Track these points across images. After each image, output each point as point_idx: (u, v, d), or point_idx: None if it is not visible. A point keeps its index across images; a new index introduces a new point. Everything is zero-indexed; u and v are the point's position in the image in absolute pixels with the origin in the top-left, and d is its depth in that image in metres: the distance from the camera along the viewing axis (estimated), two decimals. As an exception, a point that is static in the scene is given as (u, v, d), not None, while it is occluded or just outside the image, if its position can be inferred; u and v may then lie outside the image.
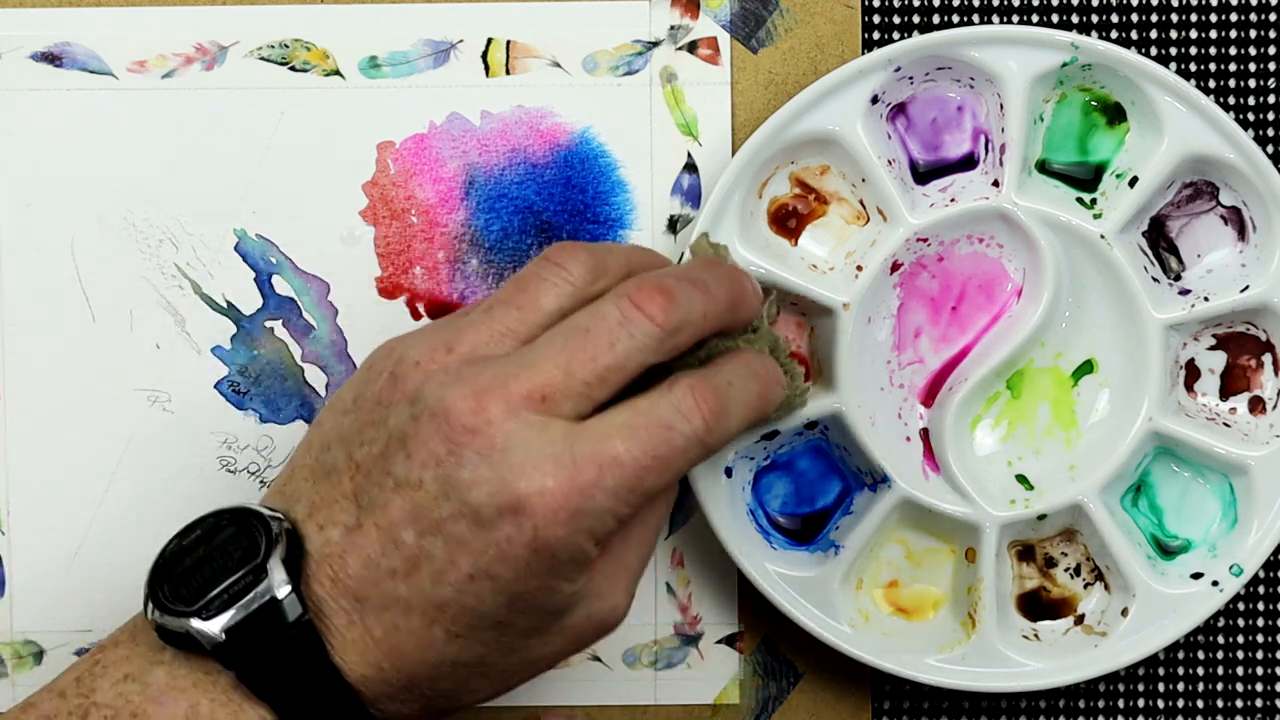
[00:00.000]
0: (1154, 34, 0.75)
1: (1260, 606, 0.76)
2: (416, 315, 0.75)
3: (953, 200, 0.73)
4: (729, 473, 0.73)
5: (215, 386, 0.75)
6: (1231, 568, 0.73)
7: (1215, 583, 0.73)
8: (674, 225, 0.75)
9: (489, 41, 0.75)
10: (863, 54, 0.74)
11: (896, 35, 0.75)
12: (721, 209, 0.72)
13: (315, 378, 0.75)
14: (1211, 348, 0.75)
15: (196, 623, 0.59)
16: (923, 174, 0.74)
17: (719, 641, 0.76)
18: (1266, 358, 0.74)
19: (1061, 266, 0.73)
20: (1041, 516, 0.74)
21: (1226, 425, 0.74)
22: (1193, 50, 0.75)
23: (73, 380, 0.75)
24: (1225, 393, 0.75)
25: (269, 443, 0.75)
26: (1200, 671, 0.76)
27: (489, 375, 0.59)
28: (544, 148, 0.75)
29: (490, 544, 0.58)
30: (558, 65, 0.75)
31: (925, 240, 0.73)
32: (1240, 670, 0.76)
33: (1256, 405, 0.75)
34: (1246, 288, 0.73)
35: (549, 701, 0.75)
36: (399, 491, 0.59)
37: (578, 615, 0.61)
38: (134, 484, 0.75)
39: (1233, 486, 0.74)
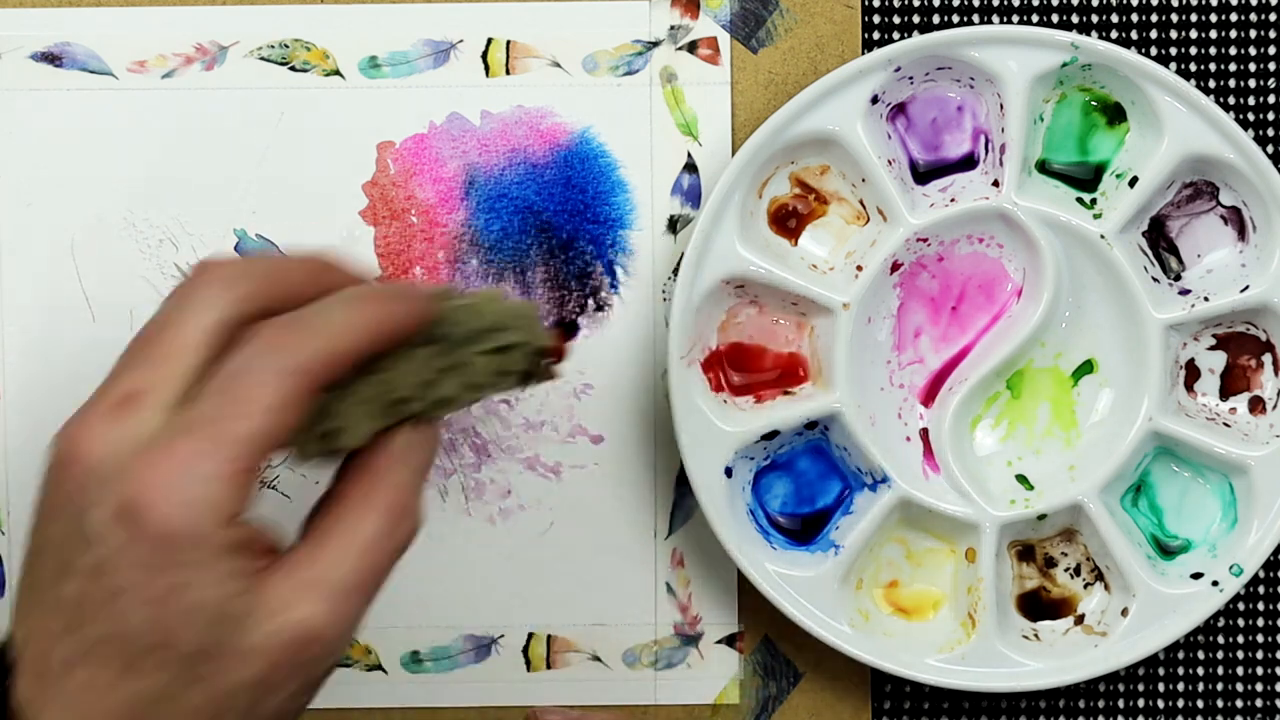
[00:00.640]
0: (1154, 34, 0.75)
1: (1260, 606, 0.76)
2: (416, 315, 0.75)
3: (953, 200, 0.73)
4: (729, 473, 0.73)
5: (215, 386, 0.75)
6: (1231, 568, 0.73)
7: (1215, 583, 0.73)
8: (674, 225, 0.75)
9: (489, 41, 0.75)
10: (863, 54, 0.74)
11: (896, 35, 0.75)
12: (721, 209, 0.72)
13: (315, 378, 0.75)
14: (1211, 348, 0.75)
15: None
16: (923, 174, 0.74)
17: (719, 641, 0.76)
18: (1266, 358, 0.74)
19: (1061, 266, 0.73)
20: (1041, 516, 0.74)
21: (1226, 425, 0.74)
22: (1193, 50, 0.75)
23: (73, 380, 0.74)
24: (1225, 393, 0.75)
25: (269, 443, 0.75)
26: (1200, 671, 0.76)
27: (77, 412, 0.56)
28: (544, 148, 0.75)
29: (113, 554, 0.54)
30: (558, 65, 0.75)
31: (925, 240, 0.73)
32: (1240, 670, 0.76)
33: (1256, 405, 0.75)
34: (1246, 288, 0.73)
35: (548, 701, 0.75)
36: (43, 555, 0.56)
37: (259, 632, 0.55)
38: (134, 484, 0.74)
39: (1233, 486, 0.74)
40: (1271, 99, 0.75)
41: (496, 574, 0.75)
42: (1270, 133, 0.75)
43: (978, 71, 0.72)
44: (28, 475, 0.74)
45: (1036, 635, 0.75)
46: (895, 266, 0.74)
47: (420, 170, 0.75)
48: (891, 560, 0.75)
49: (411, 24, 0.74)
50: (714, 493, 0.72)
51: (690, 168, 0.75)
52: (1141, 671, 0.76)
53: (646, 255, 0.75)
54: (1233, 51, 0.75)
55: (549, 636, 0.76)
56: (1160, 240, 0.74)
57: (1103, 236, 0.73)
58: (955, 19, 0.75)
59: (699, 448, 0.72)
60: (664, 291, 0.75)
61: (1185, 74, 0.75)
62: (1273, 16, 0.75)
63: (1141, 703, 0.76)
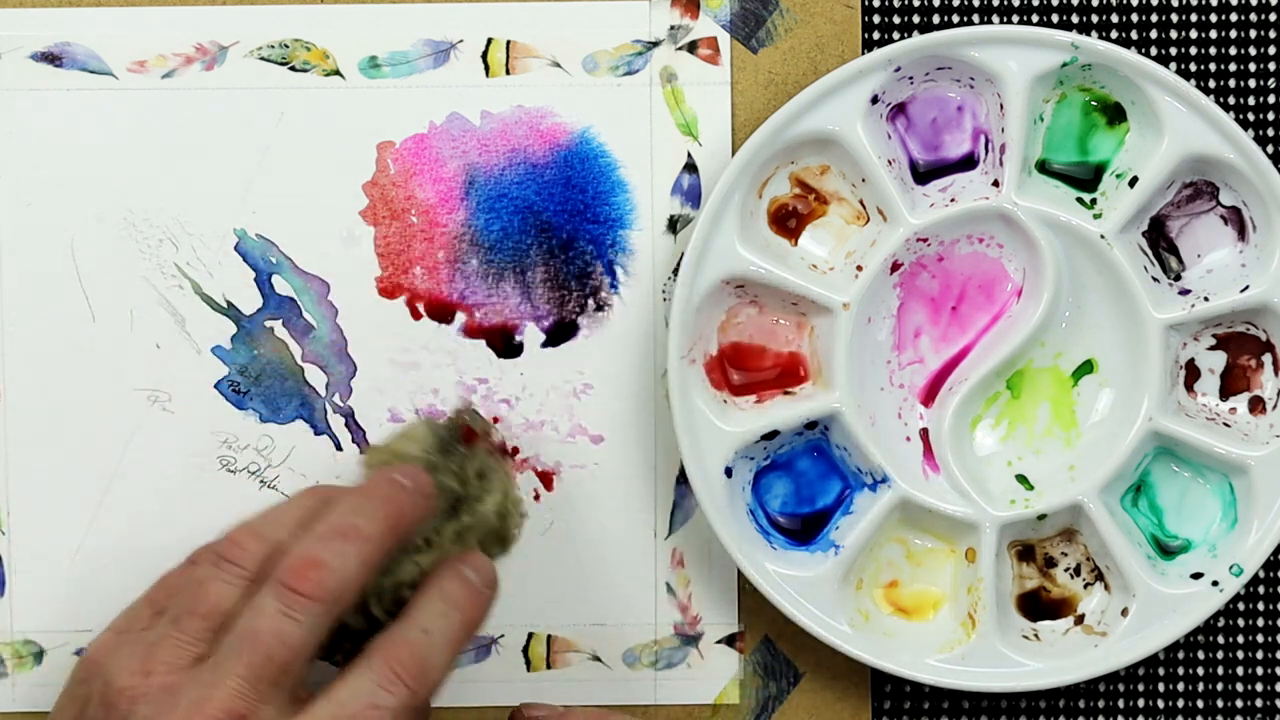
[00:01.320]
0: (1154, 34, 0.75)
1: (1260, 606, 0.76)
2: (416, 315, 0.75)
3: (953, 200, 0.73)
4: (729, 473, 0.73)
5: (215, 386, 0.75)
6: (1231, 568, 0.73)
7: (1215, 583, 0.73)
8: (674, 225, 0.75)
9: (489, 41, 0.75)
10: (863, 54, 0.74)
11: (896, 35, 0.75)
12: (721, 209, 0.72)
13: (315, 378, 0.75)
14: (1211, 348, 0.75)
15: None
16: (923, 174, 0.74)
17: (719, 641, 0.76)
18: (1266, 358, 0.74)
19: (1061, 266, 0.73)
20: (1041, 516, 0.74)
21: (1226, 425, 0.74)
22: (1193, 50, 0.75)
23: (73, 380, 0.75)
24: (1225, 393, 0.75)
25: (269, 442, 0.75)
26: (1200, 671, 0.76)
27: (183, 707, 0.60)
28: (544, 148, 0.75)
29: None
30: (558, 65, 0.75)
31: (925, 240, 0.73)
32: (1240, 670, 0.76)
33: (1256, 405, 0.75)
34: (1246, 288, 0.73)
35: (547, 701, 0.75)
36: None
37: None
38: (134, 484, 0.75)
39: (1233, 486, 0.74)
40: (1271, 99, 0.75)
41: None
42: (1270, 133, 0.75)
43: (978, 71, 0.72)
44: (28, 475, 0.74)
45: (1036, 635, 0.75)
46: (895, 266, 0.74)
47: (420, 170, 0.75)
48: (891, 560, 0.75)
49: (411, 24, 0.74)
50: (714, 493, 0.72)
51: (690, 168, 0.75)
52: (1141, 671, 0.76)
53: (646, 255, 0.75)
54: (1233, 51, 0.75)
55: (549, 636, 0.76)
56: (1160, 240, 0.74)
57: (1103, 236, 0.73)
58: (955, 19, 0.75)
59: (699, 448, 0.72)
60: (664, 291, 0.75)
61: (1185, 74, 0.75)
62: (1273, 16, 0.75)
63: (1141, 703, 0.76)
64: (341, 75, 0.75)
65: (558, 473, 0.75)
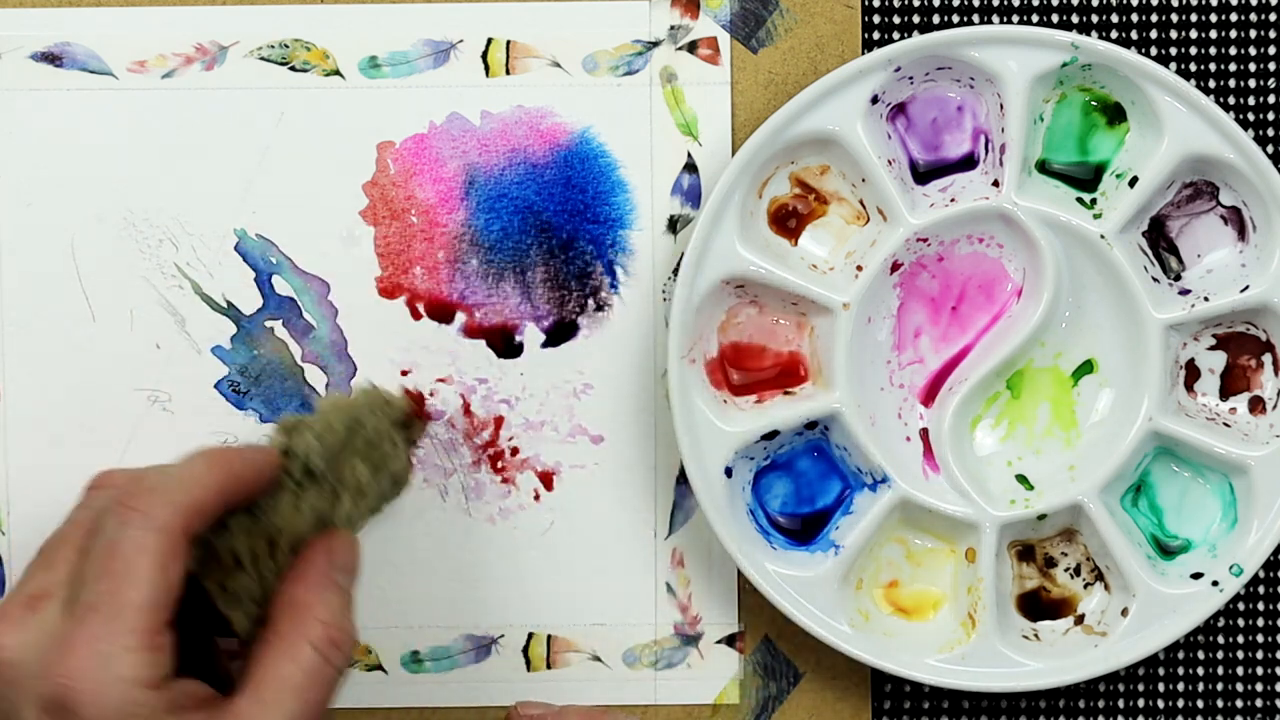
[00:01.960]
0: (1154, 34, 0.75)
1: (1260, 606, 0.76)
2: (416, 315, 0.75)
3: (953, 200, 0.73)
4: (729, 473, 0.73)
5: (215, 386, 0.75)
6: (1231, 568, 0.73)
7: (1215, 583, 0.73)
8: (674, 225, 0.75)
9: (489, 41, 0.75)
10: (863, 54, 0.74)
11: (896, 35, 0.75)
12: (721, 209, 0.72)
13: (315, 378, 0.75)
14: (1211, 348, 0.75)
15: None
16: (923, 174, 0.74)
17: (719, 641, 0.76)
18: (1266, 358, 0.74)
19: (1061, 266, 0.73)
20: (1041, 516, 0.74)
21: (1226, 425, 0.74)
22: (1193, 50, 0.75)
23: (73, 380, 0.75)
24: (1225, 393, 0.75)
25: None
26: (1200, 671, 0.76)
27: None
28: (544, 148, 0.75)
29: None
30: (558, 65, 0.75)
31: (925, 240, 0.73)
32: (1240, 670, 0.76)
33: (1256, 405, 0.75)
34: (1246, 288, 0.73)
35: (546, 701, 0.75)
36: None
37: None
38: (134, 484, 0.75)
39: (1233, 486, 0.74)
40: (1271, 99, 0.75)
41: (496, 574, 0.75)
42: (1270, 133, 0.75)
43: (978, 71, 0.72)
44: (28, 475, 0.75)
45: (1036, 635, 0.75)
46: (895, 266, 0.74)
47: (420, 170, 0.75)
48: (891, 560, 0.75)
49: (411, 24, 0.74)
50: (714, 493, 0.72)
51: (690, 168, 0.75)
52: (1141, 671, 0.76)
53: (646, 255, 0.75)
54: (1233, 51, 0.75)
55: (549, 636, 0.76)
56: (1160, 240, 0.74)
57: (1103, 236, 0.73)
58: (955, 19, 0.75)
59: (699, 448, 0.72)
60: (664, 291, 0.75)
61: (1185, 74, 0.75)
62: (1273, 16, 0.75)
63: (1141, 703, 0.76)
64: (341, 75, 0.75)
65: (558, 473, 0.75)
